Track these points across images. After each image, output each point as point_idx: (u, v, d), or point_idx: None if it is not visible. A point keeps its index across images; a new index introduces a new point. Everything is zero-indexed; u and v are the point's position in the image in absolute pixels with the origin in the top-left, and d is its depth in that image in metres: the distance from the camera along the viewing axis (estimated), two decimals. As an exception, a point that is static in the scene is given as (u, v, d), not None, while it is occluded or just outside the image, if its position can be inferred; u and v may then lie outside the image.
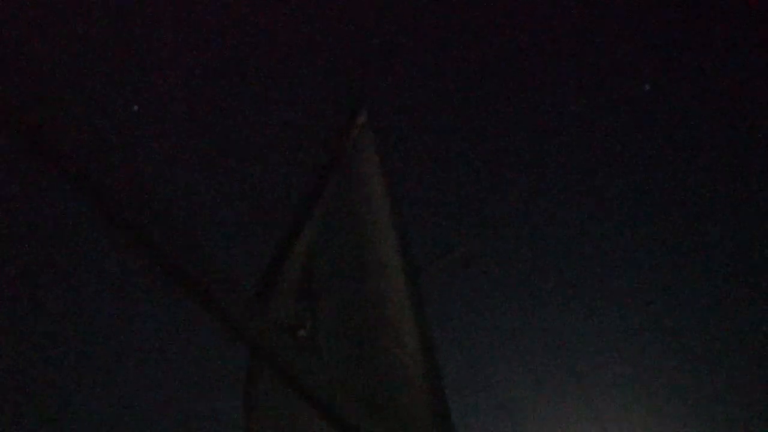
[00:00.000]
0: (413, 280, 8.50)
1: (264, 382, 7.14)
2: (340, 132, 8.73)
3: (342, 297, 8.33)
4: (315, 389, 5.12)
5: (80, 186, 2.63)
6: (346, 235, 8.82)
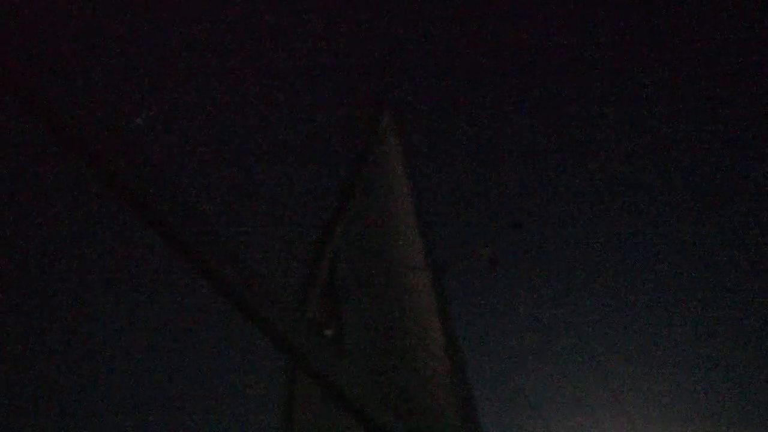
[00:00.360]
0: (438, 281, 8.54)
1: (303, 383, 7.28)
2: (366, 135, 8.80)
3: (368, 297, 8.41)
4: (344, 389, 5.20)
5: (121, 193, 2.72)
6: (371, 236, 8.89)
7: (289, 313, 3.09)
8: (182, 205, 2.63)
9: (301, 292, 7.83)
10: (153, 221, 2.48)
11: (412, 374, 7.80)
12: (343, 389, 5.40)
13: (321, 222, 8.38)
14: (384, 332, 8.27)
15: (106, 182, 2.36)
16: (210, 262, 2.69)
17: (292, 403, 7.35)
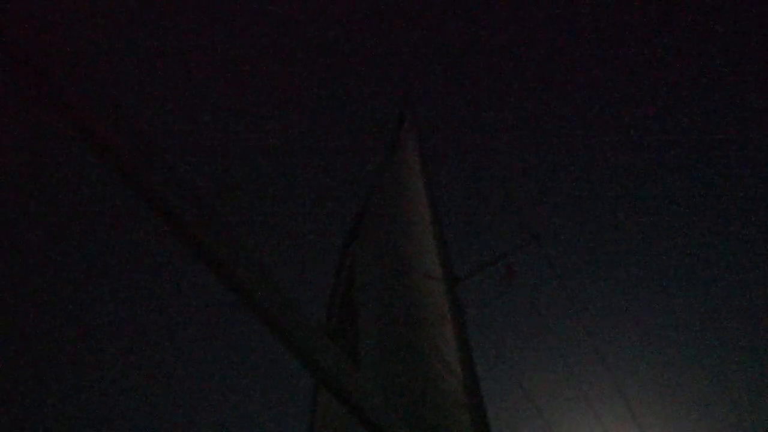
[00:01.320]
0: (452, 290, 8.50)
1: (323, 396, 7.34)
2: (387, 145, 8.79)
3: (383, 306, 8.38)
4: (359, 400, 5.18)
5: (152, 204, 2.71)
6: (387, 243, 8.87)
7: (313, 330, 3.08)
8: (218, 223, 2.62)
9: (328, 304, 7.84)
10: (188, 241, 2.47)
11: (425, 383, 7.77)
12: (358, 401, 5.38)
13: (344, 234, 8.39)
14: (397, 340, 8.25)
15: (146, 202, 2.35)
16: (243, 282, 2.68)
17: (313, 415, 7.38)
